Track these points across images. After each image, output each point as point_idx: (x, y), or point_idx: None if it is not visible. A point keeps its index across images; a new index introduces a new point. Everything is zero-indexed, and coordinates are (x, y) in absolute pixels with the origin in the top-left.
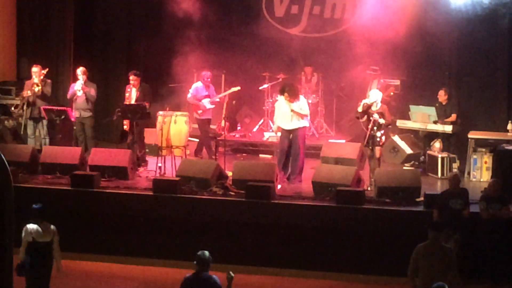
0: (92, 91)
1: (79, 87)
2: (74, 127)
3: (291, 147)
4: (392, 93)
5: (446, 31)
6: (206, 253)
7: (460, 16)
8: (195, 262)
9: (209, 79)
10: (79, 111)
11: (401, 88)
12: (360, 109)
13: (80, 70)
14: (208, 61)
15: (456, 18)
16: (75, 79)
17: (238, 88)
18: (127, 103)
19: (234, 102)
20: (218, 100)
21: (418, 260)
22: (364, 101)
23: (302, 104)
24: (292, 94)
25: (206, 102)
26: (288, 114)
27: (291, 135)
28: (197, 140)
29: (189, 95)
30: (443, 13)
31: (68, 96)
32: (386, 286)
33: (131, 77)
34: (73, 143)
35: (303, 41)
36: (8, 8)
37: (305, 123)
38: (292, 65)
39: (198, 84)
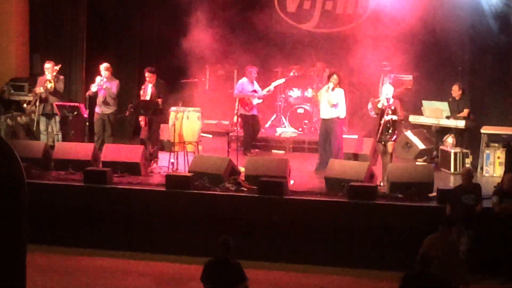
0: (113, 88)
1: (97, 83)
2: (87, 123)
3: (328, 139)
4: (409, 86)
5: (458, 26)
6: (228, 237)
7: (473, 11)
8: (217, 246)
9: (256, 75)
10: (100, 107)
11: (413, 83)
12: (380, 106)
13: (102, 66)
14: (220, 56)
15: (469, 14)
16: (88, 75)
17: (283, 80)
18: (143, 99)
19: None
20: (266, 93)
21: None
22: (381, 99)
23: (337, 94)
24: (340, 79)
25: (253, 98)
26: (325, 103)
27: (328, 125)
28: (210, 136)
29: (236, 91)
30: (455, 8)
31: (87, 93)
32: (398, 282)
33: (146, 74)
34: (85, 139)
35: (315, 36)
36: (21, 4)
37: (339, 113)
38: (304, 60)
39: (244, 80)
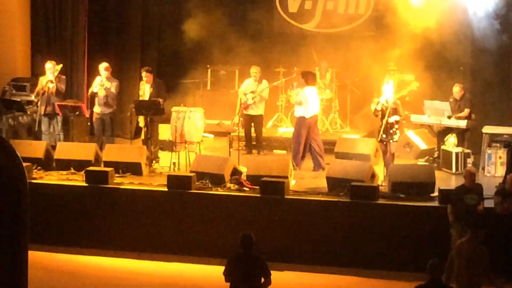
0: (113, 88)
1: (97, 83)
2: (89, 123)
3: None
4: (415, 89)
5: (459, 26)
6: (249, 233)
7: (474, 11)
8: (241, 242)
9: (255, 74)
10: (100, 107)
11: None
12: (379, 107)
13: (101, 66)
14: (222, 57)
15: (470, 14)
16: (89, 75)
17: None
18: (142, 99)
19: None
20: (258, 97)
21: (454, 258)
22: (381, 99)
23: (304, 92)
24: (305, 79)
25: (249, 98)
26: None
27: (296, 124)
28: (212, 135)
29: (239, 89)
30: (456, 8)
31: (89, 93)
32: (399, 281)
33: (143, 74)
34: (87, 139)
35: (317, 36)
36: (22, 4)
37: (303, 112)
38: (306, 60)
39: (249, 80)
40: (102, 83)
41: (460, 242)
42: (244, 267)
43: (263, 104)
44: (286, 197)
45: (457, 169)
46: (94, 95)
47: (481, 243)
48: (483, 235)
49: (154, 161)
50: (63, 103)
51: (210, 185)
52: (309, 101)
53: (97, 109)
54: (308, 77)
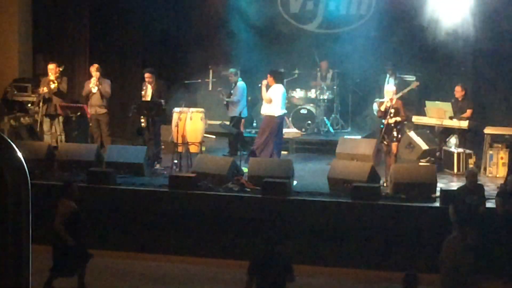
0: (107, 88)
1: (93, 84)
2: (90, 124)
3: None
4: (415, 87)
5: (462, 27)
6: (271, 235)
7: (476, 12)
8: (263, 239)
9: (231, 77)
10: (94, 108)
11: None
12: (383, 108)
13: (93, 67)
14: (223, 57)
15: (471, 14)
16: (90, 76)
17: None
18: (144, 100)
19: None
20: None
21: (443, 254)
22: (385, 100)
23: (272, 90)
24: (273, 77)
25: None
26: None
27: (263, 122)
28: (213, 136)
29: None
30: (458, 8)
31: (83, 93)
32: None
33: (146, 75)
34: (88, 140)
35: (319, 37)
36: (24, 4)
37: (272, 111)
38: (307, 61)
39: None
40: (97, 83)
41: (447, 240)
42: (272, 268)
43: (237, 106)
44: (288, 197)
45: (458, 169)
46: (87, 97)
47: (471, 243)
48: (472, 233)
49: (155, 162)
50: (65, 104)
51: (211, 186)
52: (277, 99)
53: (91, 110)
54: (275, 76)
